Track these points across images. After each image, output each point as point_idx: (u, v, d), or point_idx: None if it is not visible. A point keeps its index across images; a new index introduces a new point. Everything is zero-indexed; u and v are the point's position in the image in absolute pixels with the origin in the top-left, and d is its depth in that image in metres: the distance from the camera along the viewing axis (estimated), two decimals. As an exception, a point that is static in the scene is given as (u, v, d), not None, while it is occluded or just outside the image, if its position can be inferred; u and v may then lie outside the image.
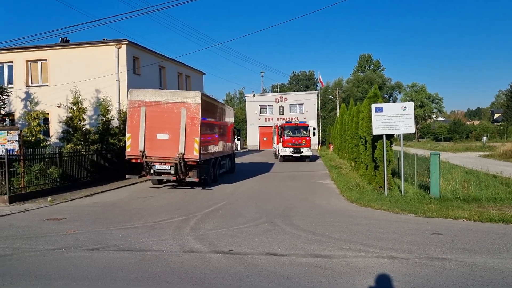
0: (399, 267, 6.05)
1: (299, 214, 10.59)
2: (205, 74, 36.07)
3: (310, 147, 30.98)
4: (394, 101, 76.94)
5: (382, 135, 13.19)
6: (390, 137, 13.48)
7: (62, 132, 19.77)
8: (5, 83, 23.18)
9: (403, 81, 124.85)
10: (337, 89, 70.97)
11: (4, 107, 19.91)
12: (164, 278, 5.68)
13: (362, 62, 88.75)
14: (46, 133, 21.88)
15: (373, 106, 13.21)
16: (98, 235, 8.38)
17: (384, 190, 13.11)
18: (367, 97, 15.55)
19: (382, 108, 13.02)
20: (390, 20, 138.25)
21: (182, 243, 7.65)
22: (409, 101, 52.94)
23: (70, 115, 19.15)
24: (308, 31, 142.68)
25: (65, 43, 25.04)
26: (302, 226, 9.02)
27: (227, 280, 5.61)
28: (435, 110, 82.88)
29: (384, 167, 13.20)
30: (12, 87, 22.67)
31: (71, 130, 19.05)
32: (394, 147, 15.28)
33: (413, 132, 14.21)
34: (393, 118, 12.87)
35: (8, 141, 13.86)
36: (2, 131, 13.93)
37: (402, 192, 12.86)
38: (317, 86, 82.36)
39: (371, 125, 13.47)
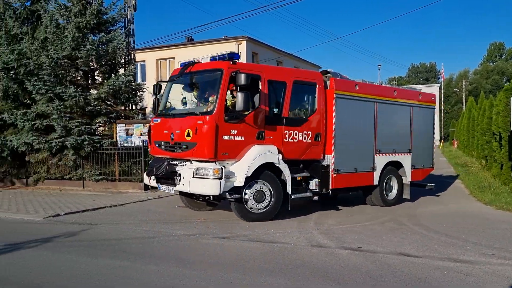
0: (556, 280, 5.39)
1: (426, 214, 10.02)
2: (321, 67, 35.93)
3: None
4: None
5: (523, 132, 11.88)
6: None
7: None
8: (139, 80, 25.49)
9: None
10: (463, 81, 65.69)
11: (140, 102, 21.87)
12: (295, 271, 5.75)
13: (492, 51, 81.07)
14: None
15: (513, 99, 11.95)
16: (227, 224, 8.79)
17: (525, 192, 11.81)
18: (503, 90, 14.11)
19: (523, 101, 11.71)
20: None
21: (308, 237, 7.70)
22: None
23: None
24: (429, 20, 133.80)
25: (190, 41, 26.75)
26: (432, 227, 8.51)
27: (360, 278, 5.50)
28: None
29: (525, 167, 11.88)
30: (145, 84, 24.84)
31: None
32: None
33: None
34: (538, 112, 11.50)
35: (143, 133, 15.20)
36: (139, 124, 15.30)
37: (548, 196, 11.46)
38: (438, 78, 77.14)
39: (508, 120, 12.22)
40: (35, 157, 14.43)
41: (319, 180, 9.66)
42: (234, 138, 8.59)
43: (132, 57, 16.40)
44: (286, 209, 9.21)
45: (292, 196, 9.25)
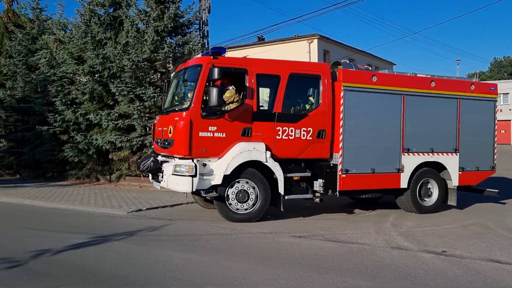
0: None
1: (516, 219, 9.36)
2: (395, 64, 34.79)
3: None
4: None
5: None
6: None
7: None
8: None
9: None
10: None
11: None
12: (376, 273, 5.60)
13: None
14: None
15: None
16: (302, 224, 8.76)
17: None
18: None
19: None
20: None
21: (387, 238, 7.47)
22: None
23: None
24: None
25: (261, 41, 26.98)
26: (524, 233, 7.92)
27: (447, 283, 5.24)
28: None
29: None
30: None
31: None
32: None
33: None
34: None
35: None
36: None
37: None
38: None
39: None
40: (117, 155, 15.26)
41: (323, 181, 8.99)
42: (213, 134, 8.38)
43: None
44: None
45: (285, 197, 8.84)
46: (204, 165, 8.39)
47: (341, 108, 9.05)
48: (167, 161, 9.05)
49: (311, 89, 9.36)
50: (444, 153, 10.15)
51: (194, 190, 8.27)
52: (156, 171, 9.10)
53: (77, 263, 6.07)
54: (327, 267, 5.84)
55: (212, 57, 8.48)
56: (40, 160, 17.43)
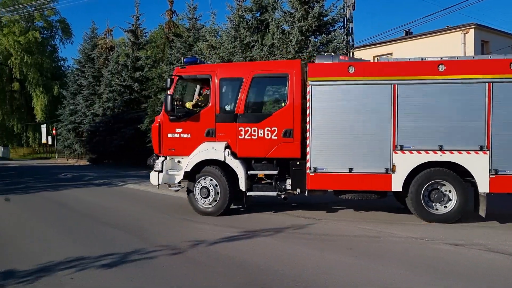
0: None
1: None
2: None
3: None
4: None
5: None
6: None
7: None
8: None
9: None
10: None
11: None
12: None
13: None
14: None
15: None
16: (457, 230, 8.00)
17: None
18: None
19: None
20: None
21: None
22: None
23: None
24: None
25: (408, 35, 25.55)
26: None
27: None
28: None
29: None
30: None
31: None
32: None
33: None
34: None
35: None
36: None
37: None
38: None
39: None
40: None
41: (291, 179, 9.05)
42: (179, 135, 9.42)
43: (351, 55, 16.53)
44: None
45: (248, 194, 9.26)
46: (179, 162, 9.57)
47: (308, 104, 8.68)
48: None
49: (278, 88, 9.58)
50: (463, 151, 8.26)
51: (160, 183, 9.39)
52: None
53: (229, 255, 6.44)
54: (498, 285, 5.22)
55: (180, 67, 9.70)
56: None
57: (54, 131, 36.20)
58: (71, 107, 32.11)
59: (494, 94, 8.13)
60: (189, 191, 9.47)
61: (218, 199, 9.25)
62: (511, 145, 8.13)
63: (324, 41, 15.18)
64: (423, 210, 8.51)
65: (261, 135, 9.14)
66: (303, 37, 15.11)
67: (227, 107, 9.51)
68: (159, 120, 9.65)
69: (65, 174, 21.88)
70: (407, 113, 8.42)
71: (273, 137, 9.11)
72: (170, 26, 25.66)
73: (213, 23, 20.76)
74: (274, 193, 9.24)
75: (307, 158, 8.77)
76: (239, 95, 9.30)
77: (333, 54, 9.80)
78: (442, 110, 8.35)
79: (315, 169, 8.73)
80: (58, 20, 47.07)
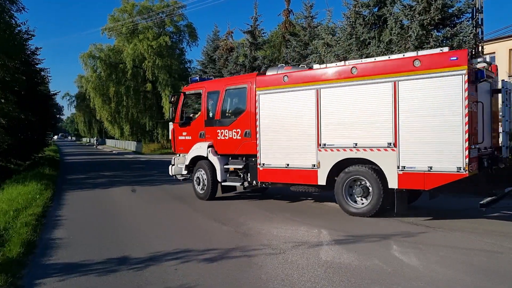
0: None
1: None
2: None
3: None
4: None
5: None
6: None
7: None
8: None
9: None
10: None
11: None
12: None
13: None
14: None
15: None
16: None
17: None
18: None
19: None
20: None
21: None
22: None
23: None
24: None
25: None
26: None
27: None
28: None
29: None
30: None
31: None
32: None
33: None
34: None
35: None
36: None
37: None
38: None
39: None
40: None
41: (249, 173, 10.82)
42: (185, 137, 12.39)
43: (480, 49, 14.98)
44: None
45: (222, 183, 11.39)
46: (185, 158, 12.32)
47: (256, 110, 10.43)
48: None
49: (241, 97, 11.15)
50: (374, 149, 8.71)
51: (172, 174, 12.75)
52: None
53: (327, 260, 6.25)
54: None
55: (186, 85, 13.24)
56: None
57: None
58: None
59: (399, 93, 8.34)
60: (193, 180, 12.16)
61: (205, 187, 11.59)
62: (418, 143, 8.23)
63: (448, 35, 13.96)
64: (344, 204, 9.24)
65: (231, 136, 11.18)
66: (424, 31, 14.08)
67: (211, 114, 11.78)
68: (173, 126, 12.68)
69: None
70: (328, 114, 9.30)
71: (238, 137, 11.04)
72: (286, 25, 25.92)
73: (329, 21, 20.43)
74: (239, 183, 11.14)
75: (258, 155, 10.47)
76: (217, 104, 11.54)
77: (281, 65, 11.52)
78: (357, 110, 8.91)
79: (263, 164, 10.41)
80: (185, 24, 50.35)
